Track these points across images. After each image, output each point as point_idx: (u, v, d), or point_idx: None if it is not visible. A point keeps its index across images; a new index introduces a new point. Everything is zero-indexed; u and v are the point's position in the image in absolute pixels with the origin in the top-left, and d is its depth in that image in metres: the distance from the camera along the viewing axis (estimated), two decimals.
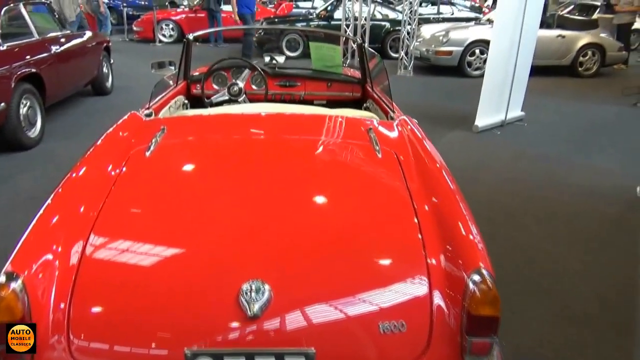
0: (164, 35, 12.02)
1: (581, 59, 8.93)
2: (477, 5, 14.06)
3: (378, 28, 10.17)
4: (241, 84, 3.21)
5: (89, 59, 6.40)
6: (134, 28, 12.01)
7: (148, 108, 2.41)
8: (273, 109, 2.40)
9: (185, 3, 15.48)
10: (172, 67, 3.20)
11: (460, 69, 8.71)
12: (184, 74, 3.21)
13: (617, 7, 10.43)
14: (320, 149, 1.98)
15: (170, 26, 12.09)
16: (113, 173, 1.67)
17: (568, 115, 6.56)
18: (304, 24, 10.46)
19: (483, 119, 5.61)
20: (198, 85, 3.38)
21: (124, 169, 1.70)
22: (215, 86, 3.39)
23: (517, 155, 4.89)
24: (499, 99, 5.74)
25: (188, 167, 1.88)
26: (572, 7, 12.25)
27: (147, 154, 1.77)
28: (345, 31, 7.33)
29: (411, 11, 8.72)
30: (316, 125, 2.14)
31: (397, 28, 9.66)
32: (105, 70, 6.89)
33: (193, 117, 2.31)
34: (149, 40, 11.74)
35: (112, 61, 7.20)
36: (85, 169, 1.71)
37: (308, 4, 15.41)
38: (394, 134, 2.07)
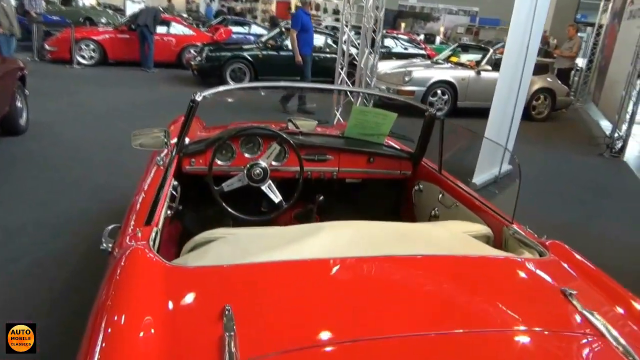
0: (83, 57, 10.45)
1: (534, 102, 8.97)
2: (413, 39, 14.08)
3: (331, 61, 9.57)
4: (264, 164, 2.30)
5: None
6: (47, 47, 10.30)
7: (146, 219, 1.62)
8: (361, 239, 1.52)
9: (104, 21, 13.94)
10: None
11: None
12: (180, 146, 2.23)
13: (557, 52, 10.82)
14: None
15: (91, 47, 10.54)
16: None
17: (548, 167, 6.33)
18: (252, 52, 9.55)
19: (479, 175, 5.11)
20: (194, 159, 2.41)
21: None
22: (218, 161, 2.45)
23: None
24: (494, 152, 5.28)
25: None
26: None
27: None
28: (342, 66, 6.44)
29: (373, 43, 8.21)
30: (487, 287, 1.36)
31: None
32: (19, 104, 5.48)
33: (257, 269, 1.35)
34: (65, 62, 10.13)
35: (27, 92, 5.79)
36: None
37: (243, 29, 14.56)
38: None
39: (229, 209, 2.27)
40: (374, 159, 2.62)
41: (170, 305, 1.14)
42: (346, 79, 6.14)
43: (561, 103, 9.31)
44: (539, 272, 1.46)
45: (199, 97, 2.08)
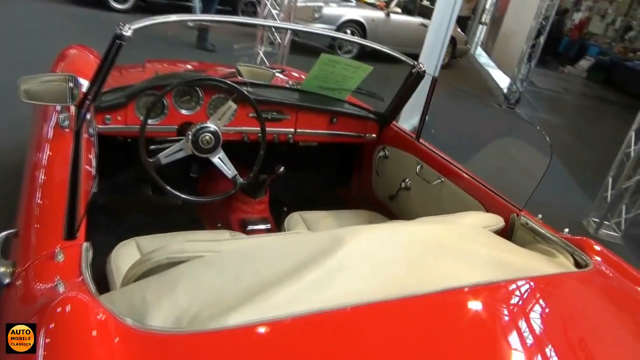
0: None
1: None
2: None
3: None
4: (215, 127, 1.75)
5: None
6: None
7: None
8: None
9: None
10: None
11: (332, 48, 7.89)
12: (96, 98, 1.58)
13: None
14: None
15: None
16: None
17: (460, 120, 6.41)
18: None
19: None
20: (109, 115, 1.79)
21: None
22: (140, 116, 1.84)
23: None
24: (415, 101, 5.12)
25: None
26: None
27: None
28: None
29: None
30: None
31: None
32: None
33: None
34: None
35: None
36: None
37: None
38: None
39: (174, 191, 1.72)
40: (337, 120, 2.20)
41: None
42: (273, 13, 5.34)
43: (460, 51, 9.53)
44: (614, 284, 1.23)
45: (128, 32, 1.43)
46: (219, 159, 1.77)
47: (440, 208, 1.94)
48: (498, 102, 7.26)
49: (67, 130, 1.54)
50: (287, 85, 2.28)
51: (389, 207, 2.28)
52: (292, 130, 2.14)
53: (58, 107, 1.63)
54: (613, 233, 3.78)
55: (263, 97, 2.00)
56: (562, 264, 1.34)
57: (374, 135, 2.29)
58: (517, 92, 7.22)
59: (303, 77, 2.75)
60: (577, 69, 12.26)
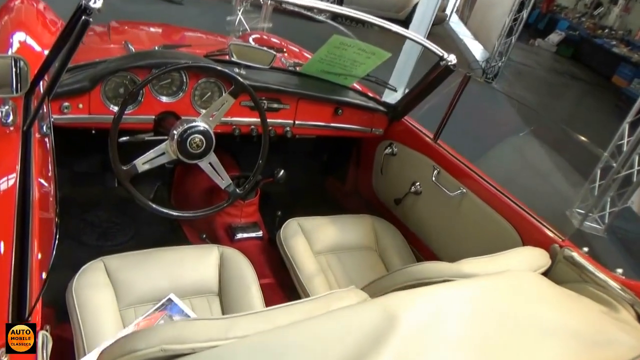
0: None
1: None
2: None
3: None
4: (206, 126, 1.41)
5: None
6: None
7: None
8: None
9: None
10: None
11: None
12: (52, 84, 1.19)
13: None
14: None
15: None
16: None
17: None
18: None
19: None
20: (67, 102, 1.42)
21: None
22: (112, 106, 1.47)
23: None
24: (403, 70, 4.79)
25: None
26: None
27: None
28: None
29: None
30: None
31: None
32: None
33: None
34: None
35: None
36: None
37: None
38: None
39: (156, 206, 1.40)
40: (343, 111, 1.89)
41: None
42: None
43: (437, 18, 9.19)
44: None
45: (95, 3, 1.05)
46: (210, 165, 1.45)
47: (458, 222, 1.71)
48: (476, 77, 7.08)
49: (10, 128, 1.17)
50: (286, 68, 1.93)
51: (392, 211, 2.03)
52: (291, 122, 1.82)
53: None
54: (596, 226, 3.73)
55: (260, 84, 1.67)
56: (626, 321, 1.14)
57: (381, 129, 2.00)
58: (495, 66, 7.04)
59: (305, 55, 2.40)
60: (547, 43, 12.22)
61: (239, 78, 1.40)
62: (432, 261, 1.19)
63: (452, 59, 1.63)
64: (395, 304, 0.86)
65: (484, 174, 1.68)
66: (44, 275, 0.84)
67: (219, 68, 1.43)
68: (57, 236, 0.88)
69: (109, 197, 2.00)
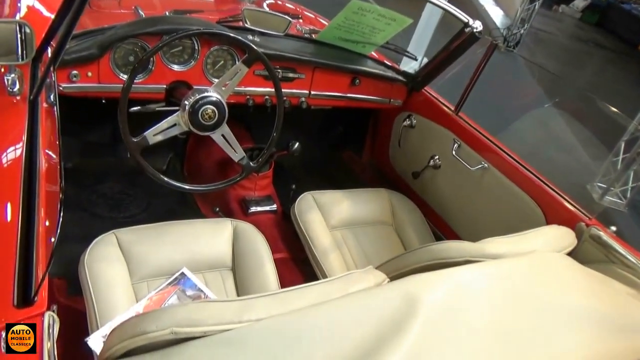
0: None
1: None
2: None
3: None
4: (218, 96, 1.35)
5: None
6: None
7: None
8: None
9: None
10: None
11: None
12: (60, 49, 1.13)
13: None
14: None
15: None
16: None
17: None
18: None
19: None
20: (76, 70, 1.37)
21: None
22: (122, 74, 1.42)
23: None
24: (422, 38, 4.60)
25: None
26: None
27: None
28: None
29: None
30: None
31: None
32: None
33: None
34: None
35: None
36: None
37: None
38: None
39: (170, 181, 1.36)
40: (360, 81, 1.81)
41: None
42: None
43: None
44: None
45: None
46: (223, 137, 1.40)
47: (479, 198, 1.65)
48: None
49: (17, 97, 1.12)
50: (301, 35, 1.85)
51: (410, 185, 1.98)
52: (307, 92, 1.76)
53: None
54: (617, 200, 3.63)
55: (275, 52, 1.60)
56: None
57: (399, 100, 1.93)
58: (517, 33, 6.79)
59: (321, 21, 2.30)
60: (571, 9, 11.75)
61: (253, 46, 1.33)
62: (453, 240, 1.14)
63: (477, 25, 1.53)
64: (416, 287, 0.82)
65: (506, 147, 1.60)
66: (50, 255, 0.81)
67: (232, 35, 1.36)
68: (62, 209, 0.85)
69: (121, 168, 1.98)
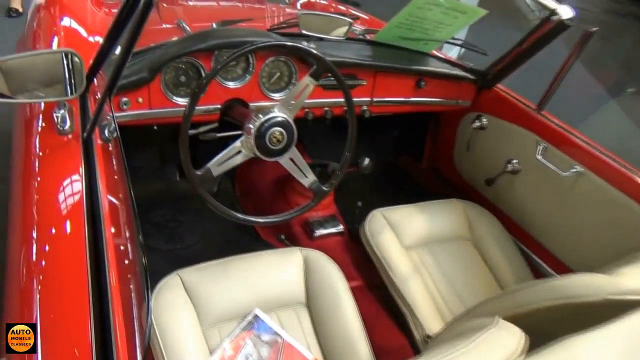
0: None
1: None
2: None
3: None
4: (285, 116, 1.21)
5: None
6: None
7: None
8: None
9: None
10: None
11: None
12: (115, 78, 1.00)
13: None
14: None
15: None
16: None
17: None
18: None
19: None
20: (126, 97, 1.25)
21: None
22: (175, 98, 1.30)
23: None
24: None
25: None
26: None
27: None
28: None
29: None
30: None
31: None
32: None
33: None
34: None
35: None
36: None
37: None
38: None
39: (241, 215, 1.24)
40: (426, 82, 1.64)
41: None
42: None
43: None
44: None
45: None
46: (291, 161, 1.25)
47: (574, 208, 1.46)
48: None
49: (69, 136, 1.00)
50: (357, 37, 1.69)
51: (482, 193, 1.80)
52: (368, 99, 1.60)
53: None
54: None
55: (337, 59, 1.44)
56: None
57: (467, 100, 1.75)
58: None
59: (363, 16, 2.13)
60: None
61: (324, 57, 1.18)
62: (579, 273, 0.96)
63: (565, 12, 1.34)
64: (577, 353, 0.65)
65: (605, 149, 1.41)
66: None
67: (306, 48, 1.21)
68: (146, 262, 0.74)
69: (170, 192, 1.86)
